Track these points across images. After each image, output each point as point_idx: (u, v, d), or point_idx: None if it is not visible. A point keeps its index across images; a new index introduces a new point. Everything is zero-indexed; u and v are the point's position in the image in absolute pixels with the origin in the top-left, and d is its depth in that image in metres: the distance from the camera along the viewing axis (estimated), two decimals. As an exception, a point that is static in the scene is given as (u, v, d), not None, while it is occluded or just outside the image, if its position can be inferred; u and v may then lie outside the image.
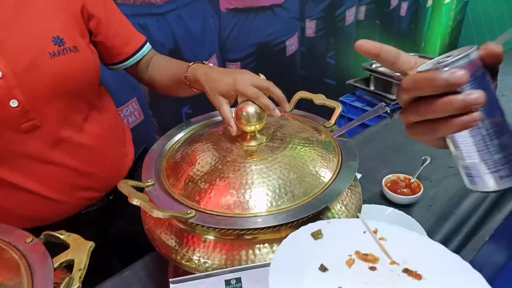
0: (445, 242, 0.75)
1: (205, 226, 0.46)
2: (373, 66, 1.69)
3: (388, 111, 0.62)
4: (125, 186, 0.48)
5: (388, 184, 0.87)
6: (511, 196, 0.83)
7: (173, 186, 0.54)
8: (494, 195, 0.85)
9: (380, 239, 0.36)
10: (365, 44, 0.32)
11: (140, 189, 0.52)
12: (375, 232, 0.37)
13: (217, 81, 0.59)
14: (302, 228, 0.39)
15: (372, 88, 1.67)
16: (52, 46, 0.57)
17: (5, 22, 0.54)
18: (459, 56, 0.29)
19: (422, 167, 0.89)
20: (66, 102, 0.60)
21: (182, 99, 1.50)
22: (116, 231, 0.80)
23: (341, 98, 1.81)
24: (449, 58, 0.29)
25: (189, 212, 0.47)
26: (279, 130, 0.61)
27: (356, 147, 0.61)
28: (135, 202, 0.45)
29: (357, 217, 0.53)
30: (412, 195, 0.84)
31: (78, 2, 0.62)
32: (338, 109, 0.68)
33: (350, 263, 0.34)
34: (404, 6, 2.34)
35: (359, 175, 0.94)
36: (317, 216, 0.50)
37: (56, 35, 0.57)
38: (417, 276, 0.32)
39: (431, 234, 0.75)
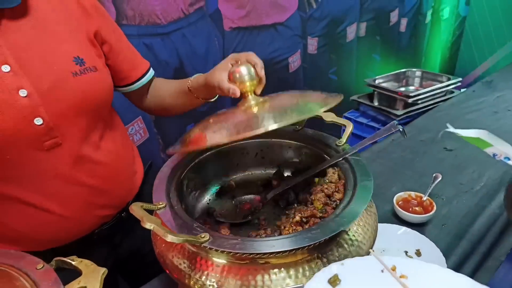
0: (461, 262, 0.73)
1: (219, 250, 0.45)
2: (377, 81, 1.70)
3: (401, 129, 0.62)
4: (137, 209, 0.47)
5: (400, 202, 0.86)
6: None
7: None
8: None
9: (400, 277, 0.35)
10: None
11: (151, 211, 0.51)
12: (393, 269, 0.36)
13: (216, 67, 0.64)
14: (317, 275, 0.37)
15: (376, 103, 1.68)
16: (74, 66, 0.59)
17: (27, 45, 0.55)
18: None
19: (433, 185, 0.88)
20: (86, 120, 0.62)
21: (187, 116, 1.50)
22: (126, 249, 0.79)
23: (345, 114, 1.81)
24: None
25: (203, 236, 0.46)
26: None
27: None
28: (148, 226, 0.44)
29: (369, 253, 0.52)
30: (424, 213, 0.83)
31: (92, 27, 0.64)
32: (349, 127, 0.67)
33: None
34: (404, 22, 2.37)
35: (368, 193, 0.92)
36: (334, 238, 0.49)
37: (77, 55, 0.60)
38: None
39: (446, 254, 0.73)
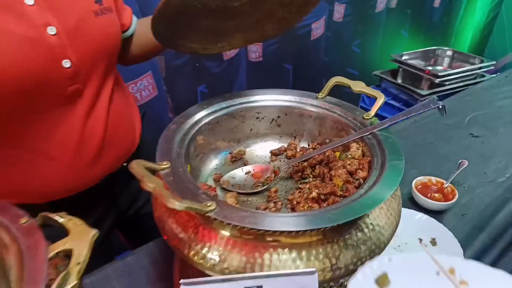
0: (479, 255, 0.68)
1: (225, 222, 0.40)
2: (403, 57, 1.58)
3: (440, 106, 0.54)
4: (138, 168, 0.42)
5: (419, 187, 0.80)
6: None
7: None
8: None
9: (461, 283, 0.29)
10: None
11: (153, 171, 0.46)
12: (452, 272, 0.30)
13: None
14: (362, 271, 0.31)
15: (399, 81, 1.57)
16: (94, 4, 0.57)
17: None
18: None
19: (458, 171, 0.81)
20: (104, 66, 0.60)
21: (198, 78, 1.43)
22: (125, 201, 0.78)
23: (364, 90, 1.70)
24: None
25: (209, 204, 0.40)
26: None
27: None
28: (149, 187, 0.39)
29: (389, 240, 0.47)
30: (444, 200, 0.77)
31: None
32: (380, 99, 0.60)
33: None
34: (439, -4, 2.20)
35: (386, 174, 0.86)
36: (354, 221, 0.43)
37: None
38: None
39: (464, 246, 0.68)
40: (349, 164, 0.52)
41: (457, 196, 0.76)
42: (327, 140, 0.65)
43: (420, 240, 0.71)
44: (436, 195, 0.79)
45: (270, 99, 0.67)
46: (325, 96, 0.66)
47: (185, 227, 0.45)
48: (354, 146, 0.56)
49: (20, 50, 0.47)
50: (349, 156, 0.55)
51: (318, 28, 1.70)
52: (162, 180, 0.45)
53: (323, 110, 0.65)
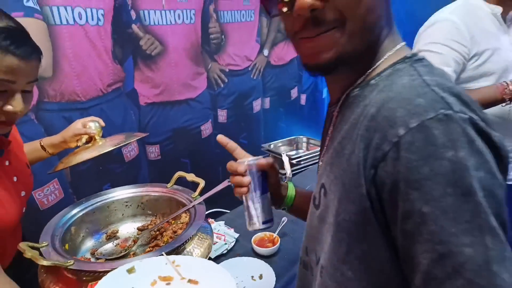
0: (290, 280, 1.00)
1: (79, 270, 0.66)
2: (272, 146, 2.07)
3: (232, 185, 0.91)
4: (23, 246, 0.68)
5: (257, 241, 1.13)
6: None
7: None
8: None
9: (176, 266, 0.59)
10: (221, 139, 0.69)
11: (38, 249, 0.72)
12: (173, 262, 0.60)
13: (69, 127, 0.94)
14: (120, 267, 0.59)
15: (271, 164, 2.03)
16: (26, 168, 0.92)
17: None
18: (251, 160, 0.65)
19: (280, 226, 1.17)
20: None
21: (103, 178, 1.69)
22: None
23: (249, 173, 2.11)
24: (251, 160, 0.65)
25: (69, 261, 0.67)
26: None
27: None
28: (27, 255, 0.65)
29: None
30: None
31: None
32: (201, 184, 0.95)
33: (153, 283, 0.55)
34: (303, 97, 2.90)
35: (236, 235, 1.19)
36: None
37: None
38: (195, 282, 0.55)
39: (280, 275, 1.00)
40: (175, 226, 0.84)
41: (278, 243, 1.11)
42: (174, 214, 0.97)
43: (252, 276, 1.01)
44: (269, 244, 1.12)
45: (135, 191, 0.98)
46: (172, 185, 1.00)
47: (59, 283, 0.69)
48: (183, 215, 0.89)
49: (14, 209, 0.79)
50: (179, 222, 0.87)
51: (207, 129, 2.15)
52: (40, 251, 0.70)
53: (170, 195, 0.97)
